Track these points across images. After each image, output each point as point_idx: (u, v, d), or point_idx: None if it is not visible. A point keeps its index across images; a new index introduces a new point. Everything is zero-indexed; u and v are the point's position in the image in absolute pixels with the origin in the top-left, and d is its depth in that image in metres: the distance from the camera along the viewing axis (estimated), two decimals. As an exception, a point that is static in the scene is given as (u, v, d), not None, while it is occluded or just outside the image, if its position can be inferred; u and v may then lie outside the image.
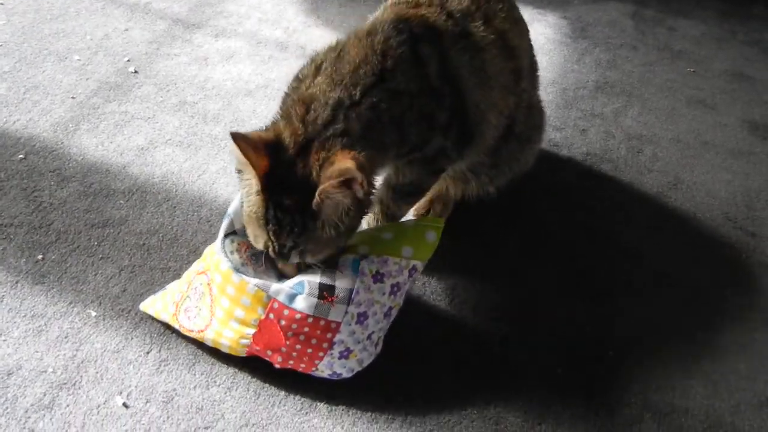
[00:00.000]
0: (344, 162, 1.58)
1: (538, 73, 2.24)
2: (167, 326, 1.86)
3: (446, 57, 1.81)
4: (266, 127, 1.74)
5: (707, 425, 1.80)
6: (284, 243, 1.68)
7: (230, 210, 1.87)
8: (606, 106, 2.77)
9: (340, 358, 1.73)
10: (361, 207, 1.69)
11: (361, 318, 1.72)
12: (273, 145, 1.66)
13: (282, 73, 2.74)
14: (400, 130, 1.75)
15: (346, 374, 1.77)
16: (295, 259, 1.73)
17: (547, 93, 2.78)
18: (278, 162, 1.65)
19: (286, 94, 1.81)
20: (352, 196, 1.62)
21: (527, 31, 2.12)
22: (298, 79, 1.82)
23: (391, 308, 1.79)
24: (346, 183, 1.59)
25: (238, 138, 1.60)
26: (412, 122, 1.76)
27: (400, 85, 1.73)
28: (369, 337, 1.75)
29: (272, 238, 1.68)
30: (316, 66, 1.79)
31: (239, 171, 1.70)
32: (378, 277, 1.74)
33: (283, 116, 1.74)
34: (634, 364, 1.91)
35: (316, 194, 1.59)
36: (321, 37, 2.95)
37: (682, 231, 2.30)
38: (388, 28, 1.77)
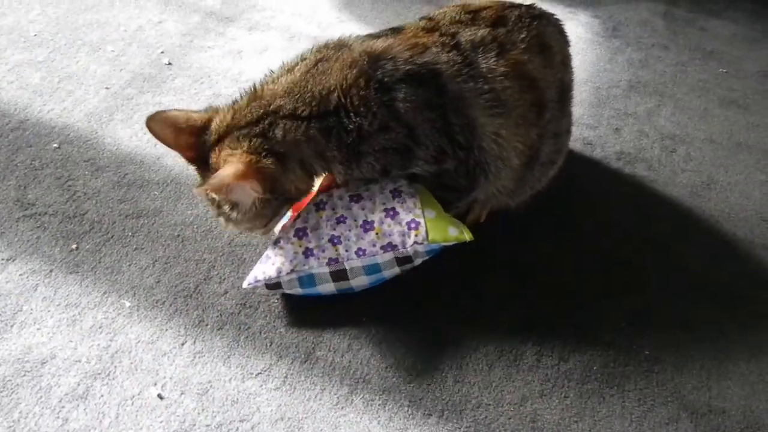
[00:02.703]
0: (229, 168, 1.68)
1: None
2: (201, 318, 1.87)
3: (444, 91, 1.79)
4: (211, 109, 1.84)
5: (744, 426, 1.78)
6: (214, 210, 1.84)
7: None
8: (639, 106, 2.75)
9: None
10: (271, 201, 1.80)
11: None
12: (201, 128, 1.78)
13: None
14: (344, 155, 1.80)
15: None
16: (227, 226, 1.86)
17: (580, 92, 2.76)
18: (202, 145, 1.78)
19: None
20: (247, 196, 1.75)
21: (560, 56, 2.05)
22: (272, 72, 1.86)
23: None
24: (223, 188, 1.70)
25: (152, 121, 1.76)
26: (369, 153, 1.80)
27: (354, 123, 1.75)
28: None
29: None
30: (293, 65, 1.85)
31: None
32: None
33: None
34: (670, 363, 1.89)
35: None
36: (354, 33, 2.93)
37: (717, 231, 2.28)
38: (368, 65, 1.77)
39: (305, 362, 1.79)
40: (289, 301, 1.92)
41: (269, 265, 1.86)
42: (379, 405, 1.73)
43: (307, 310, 1.91)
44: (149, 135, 1.70)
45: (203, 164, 1.79)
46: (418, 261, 1.89)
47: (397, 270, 1.90)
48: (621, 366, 1.87)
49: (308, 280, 1.86)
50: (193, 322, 1.86)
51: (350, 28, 2.99)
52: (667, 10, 3.39)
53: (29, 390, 1.69)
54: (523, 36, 1.92)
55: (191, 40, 2.81)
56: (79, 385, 1.71)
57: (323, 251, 1.84)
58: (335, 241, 1.84)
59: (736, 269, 2.16)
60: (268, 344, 1.83)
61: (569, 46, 2.14)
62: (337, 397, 1.74)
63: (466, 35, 1.86)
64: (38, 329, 1.81)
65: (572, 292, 2.05)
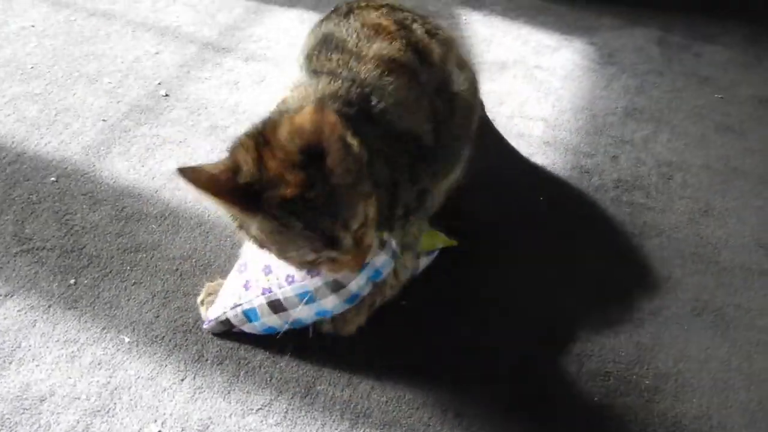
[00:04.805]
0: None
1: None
2: (201, 354, 1.86)
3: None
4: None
5: (746, 457, 1.78)
6: (325, 224, 1.52)
7: None
8: (635, 133, 2.75)
9: None
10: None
11: None
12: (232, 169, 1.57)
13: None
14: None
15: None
16: (346, 237, 1.55)
17: (576, 119, 2.77)
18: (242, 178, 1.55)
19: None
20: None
21: None
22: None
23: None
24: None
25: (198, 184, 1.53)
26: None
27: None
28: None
29: (310, 227, 1.52)
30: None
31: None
32: None
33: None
34: (671, 392, 1.89)
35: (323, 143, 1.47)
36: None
37: (715, 258, 2.27)
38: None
39: (306, 397, 1.79)
40: (288, 335, 1.90)
41: (217, 303, 1.88)
42: (381, 439, 1.73)
43: (307, 344, 1.90)
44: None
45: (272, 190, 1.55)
46: (354, 288, 1.82)
47: (336, 300, 1.81)
48: (621, 397, 1.87)
49: (252, 313, 1.84)
50: (192, 358, 1.85)
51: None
52: (661, 36, 3.39)
53: (28, 428, 1.69)
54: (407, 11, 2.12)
55: (188, 71, 2.82)
56: (78, 422, 1.71)
57: (257, 281, 1.83)
58: (267, 270, 1.83)
59: (734, 296, 2.16)
60: (269, 379, 1.83)
61: None
62: (339, 432, 1.74)
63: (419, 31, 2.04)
64: (37, 366, 1.81)
65: (571, 322, 2.04)
